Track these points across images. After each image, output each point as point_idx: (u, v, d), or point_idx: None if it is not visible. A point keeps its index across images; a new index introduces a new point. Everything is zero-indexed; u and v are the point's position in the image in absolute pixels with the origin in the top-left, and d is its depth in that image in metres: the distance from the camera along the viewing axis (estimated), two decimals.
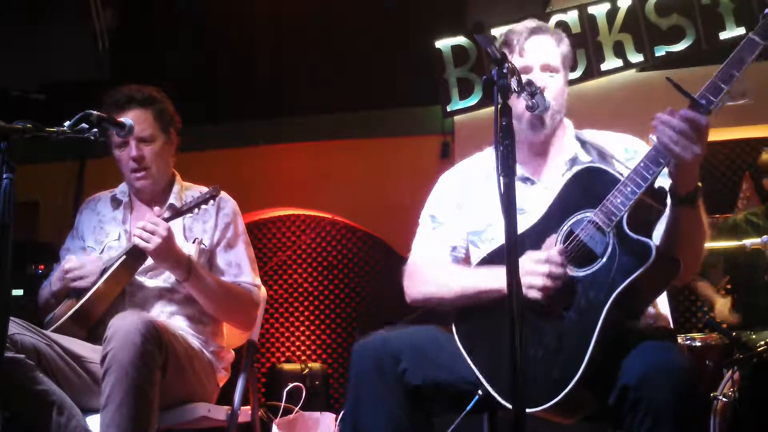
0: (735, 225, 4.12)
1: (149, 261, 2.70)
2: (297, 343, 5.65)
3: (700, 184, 1.96)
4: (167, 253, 2.62)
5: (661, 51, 4.95)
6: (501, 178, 1.76)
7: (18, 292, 3.80)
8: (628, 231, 1.93)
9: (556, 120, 2.29)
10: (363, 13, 5.40)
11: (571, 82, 4.75)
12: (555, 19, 5.05)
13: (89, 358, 2.56)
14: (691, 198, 1.95)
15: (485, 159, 2.42)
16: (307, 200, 5.56)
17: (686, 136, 1.86)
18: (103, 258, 2.81)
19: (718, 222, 4.20)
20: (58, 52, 5.27)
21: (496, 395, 2.00)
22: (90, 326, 2.70)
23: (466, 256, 2.36)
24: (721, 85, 1.88)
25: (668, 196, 1.97)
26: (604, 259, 1.95)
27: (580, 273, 1.98)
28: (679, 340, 3.69)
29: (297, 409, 4.28)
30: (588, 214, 2.00)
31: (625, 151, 2.26)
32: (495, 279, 2.04)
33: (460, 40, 5.24)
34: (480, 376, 2.04)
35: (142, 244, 2.59)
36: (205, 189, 2.90)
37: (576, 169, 2.14)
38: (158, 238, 2.58)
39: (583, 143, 2.32)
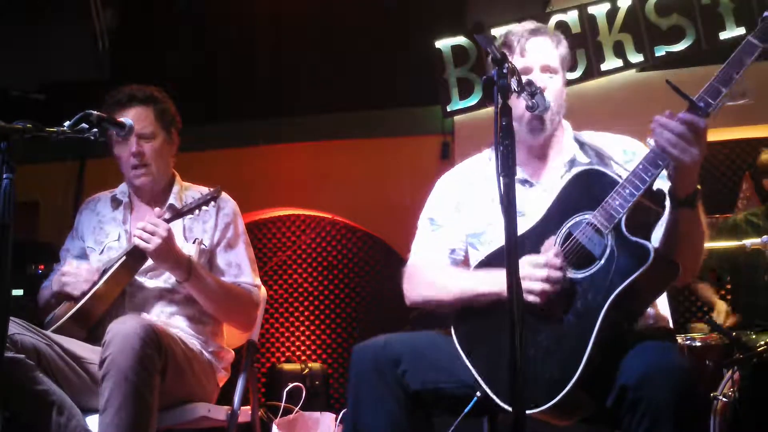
0: (735, 225, 4.12)
1: (149, 261, 2.70)
2: (297, 343, 5.65)
3: (699, 186, 1.96)
4: (167, 253, 2.62)
5: (661, 51, 4.94)
6: (501, 179, 1.76)
7: (18, 292, 3.80)
8: (626, 233, 1.93)
9: (555, 121, 2.29)
10: (363, 13, 5.40)
11: (571, 82, 4.82)
12: (555, 19, 5.05)
13: (89, 358, 2.56)
14: (691, 201, 1.95)
15: (483, 160, 2.42)
16: (307, 200, 5.56)
17: (684, 138, 1.86)
18: (103, 259, 2.81)
19: (718, 222, 4.20)
20: (58, 52, 5.26)
21: (494, 397, 2.00)
22: (90, 326, 2.70)
23: (465, 258, 2.37)
24: (720, 88, 1.88)
25: (667, 199, 1.97)
26: (603, 261, 1.95)
27: (579, 275, 1.98)
28: (679, 340, 3.69)
29: (297, 409, 4.28)
30: (587, 216, 2.00)
31: (624, 153, 2.26)
32: (493, 282, 2.05)
33: (460, 40, 5.24)
34: (478, 378, 2.04)
35: (142, 244, 2.59)
36: (205, 189, 2.90)
37: (575, 171, 2.14)
38: (158, 238, 2.58)
39: (582, 145, 2.32)
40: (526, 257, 2.00)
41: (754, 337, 3.66)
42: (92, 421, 2.44)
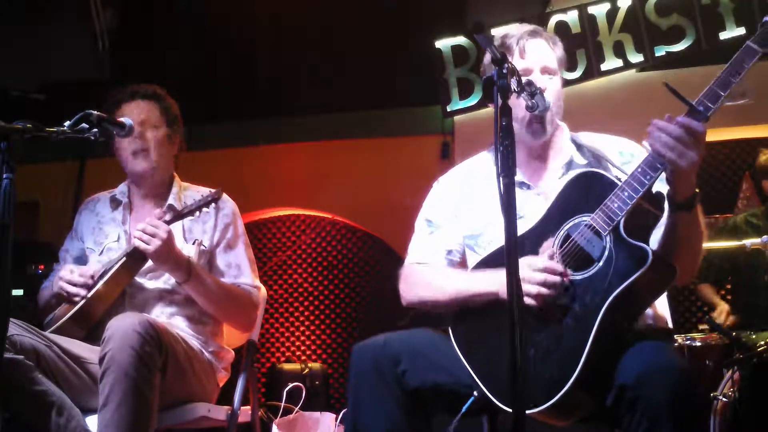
0: (735, 226, 4.12)
1: (149, 263, 2.70)
2: (297, 343, 5.65)
3: (698, 190, 1.96)
4: (167, 255, 2.62)
5: (661, 51, 4.94)
6: (501, 179, 1.76)
7: (18, 292, 3.80)
8: (625, 235, 1.93)
9: (554, 123, 2.29)
10: (363, 13, 5.40)
11: (571, 82, 4.83)
12: (555, 19, 5.05)
13: (88, 358, 2.56)
14: (689, 203, 1.95)
15: (481, 162, 2.42)
16: (307, 200, 5.56)
17: (683, 142, 1.86)
18: (102, 260, 2.81)
19: (717, 222, 4.20)
20: (58, 52, 5.26)
21: (491, 397, 2.00)
22: (90, 327, 2.70)
23: (462, 259, 2.37)
24: (719, 92, 1.88)
25: (666, 202, 1.97)
26: (601, 263, 1.95)
27: (577, 276, 1.98)
28: (679, 340, 3.69)
29: (297, 409, 4.28)
30: (585, 218, 2.00)
31: (620, 155, 2.27)
32: (490, 282, 2.05)
33: (460, 40, 5.24)
34: (476, 378, 2.05)
35: (142, 246, 2.59)
36: (204, 189, 2.90)
37: (575, 173, 2.14)
38: (159, 240, 2.58)
39: (579, 146, 2.32)
40: (525, 258, 2.00)
41: (754, 337, 3.66)
42: (92, 422, 2.44)
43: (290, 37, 5.56)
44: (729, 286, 4.41)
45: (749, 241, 3.64)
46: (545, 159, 2.32)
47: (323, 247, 5.68)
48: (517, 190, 2.21)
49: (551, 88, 2.23)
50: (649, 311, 2.16)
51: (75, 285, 2.68)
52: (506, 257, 1.73)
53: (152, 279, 2.79)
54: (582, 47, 5.00)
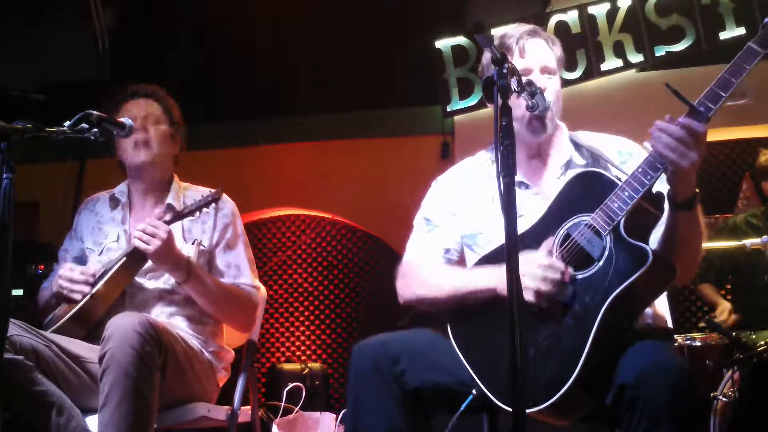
0: (735, 227, 4.13)
1: (149, 263, 2.70)
2: (297, 343, 5.65)
3: (698, 190, 1.96)
4: (167, 255, 2.62)
5: (661, 51, 4.95)
6: (501, 178, 1.76)
7: (18, 292, 3.80)
8: (625, 235, 1.93)
9: (554, 122, 2.30)
10: (363, 13, 5.40)
11: (571, 82, 4.83)
12: (555, 19, 5.05)
13: (88, 358, 2.56)
14: (689, 204, 1.96)
15: (480, 161, 2.43)
16: (307, 200, 5.56)
17: (684, 143, 1.87)
18: (102, 260, 2.81)
19: (717, 222, 4.20)
20: (58, 52, 5.26)
21: (490, 396, 2.00)
22: (90, 327, 2.70)
23: (460, 258, 2.37)
24: (720, 93, 1.88)
25: (666, 202, 1.97)
26: (601, 263, 1.95)
27: (577, 276, 1.98)
28: (679, 340, 3.69)
29: (297, 409, 4.28)
30: (585, 217, 2.00)
31: (619, 154, 2.27)
32: (488, 278, 2.06)
33: (460, 40, 5.24)
34: (476, 378, 2.05)
35: (142, 246, 2.59)
36: (204, 189, 2.90)
37: (575, 172, 2.15)
38: (158, 240, 2.58)
39: (578, 146, 2.33)
40: (525, 254, 2.00)
41: (754, 337, 3.67)
42: (92, 422, 2.44)
43: (290, 37, 5.56)
44: (729, 286, 4.41)
45: (749, 241, 3.65)
46: (544, 159, 2.32)
47: (323, 247, 5.68)
48: (516, 189, 2.22)
49: (551, 88, 2.24)
50: (648, 311, 2.17)
51: (76, 283, 2.68)
52: (506, 256, 1.73)
53: (152, 279, 2.79)
54: (582, 47, 5.00)
